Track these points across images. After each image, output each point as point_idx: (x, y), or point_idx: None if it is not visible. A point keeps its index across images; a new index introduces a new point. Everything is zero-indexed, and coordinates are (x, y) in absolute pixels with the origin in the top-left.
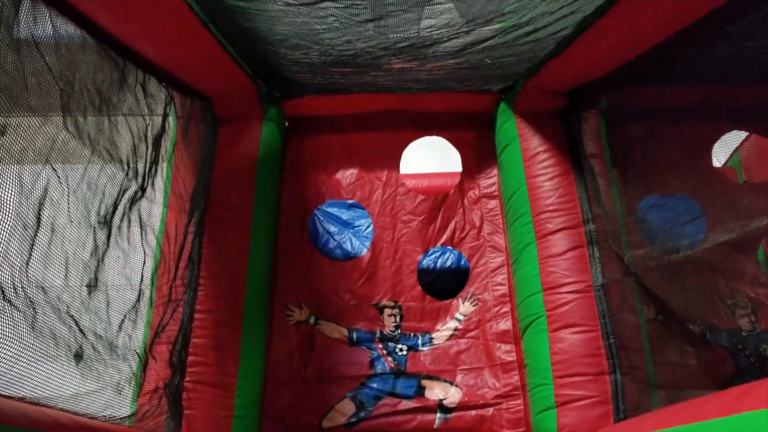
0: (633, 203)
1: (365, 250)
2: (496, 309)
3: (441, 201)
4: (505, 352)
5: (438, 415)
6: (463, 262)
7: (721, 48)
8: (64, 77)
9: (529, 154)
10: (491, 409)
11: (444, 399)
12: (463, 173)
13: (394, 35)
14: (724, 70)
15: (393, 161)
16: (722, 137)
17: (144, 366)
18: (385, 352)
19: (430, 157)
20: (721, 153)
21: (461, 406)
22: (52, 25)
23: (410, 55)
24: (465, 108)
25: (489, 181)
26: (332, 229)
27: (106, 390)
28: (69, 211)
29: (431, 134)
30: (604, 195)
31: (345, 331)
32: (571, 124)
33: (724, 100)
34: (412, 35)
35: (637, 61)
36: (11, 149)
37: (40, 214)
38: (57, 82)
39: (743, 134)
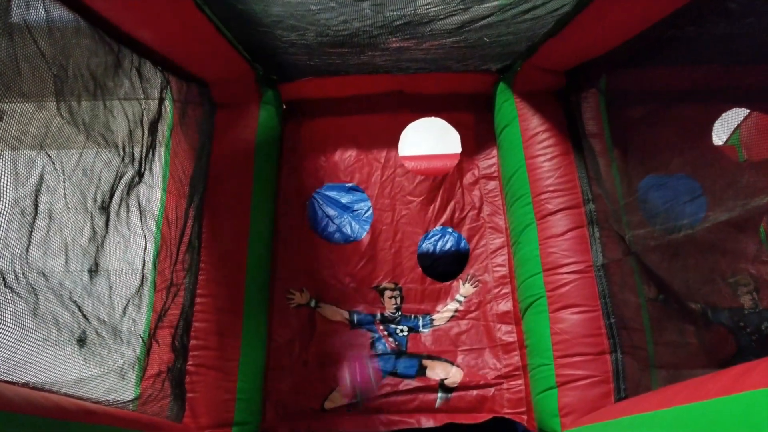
0: (633, 183)
1: (365, 233)
2: (497, 290)
3: (440, 182)
4: (505, 332)
5: (439, 394)
6: (462, 244)
7: (722, 25)
8: (58, 62)
9: (528, 134)
10: (492, 389)
11: (445, 379)
12: (462, 154)
13: (391, 13)
14: (724, 48)
15: (391, 143)
16: (722, 116)
17: (147, 350)
18: (386, 333)
19: (428, 138)
20: (721, 132)
21: (462, 386)
22: (45, 10)
23: (407, 34)
24: (463, 88)
25: (488, 161)
26: (331, 212)
27: (110, 374)
28: (66, 198)
29: (429, 115)
30: (604, 175)
31: (346, 314)
32: (570, 104)
33: (725, 79)
34: (409, 13)
35: (637, 40)
36: (6, 135)
37: (37, 201)
38: (50, 68)
39: (743, 112)
